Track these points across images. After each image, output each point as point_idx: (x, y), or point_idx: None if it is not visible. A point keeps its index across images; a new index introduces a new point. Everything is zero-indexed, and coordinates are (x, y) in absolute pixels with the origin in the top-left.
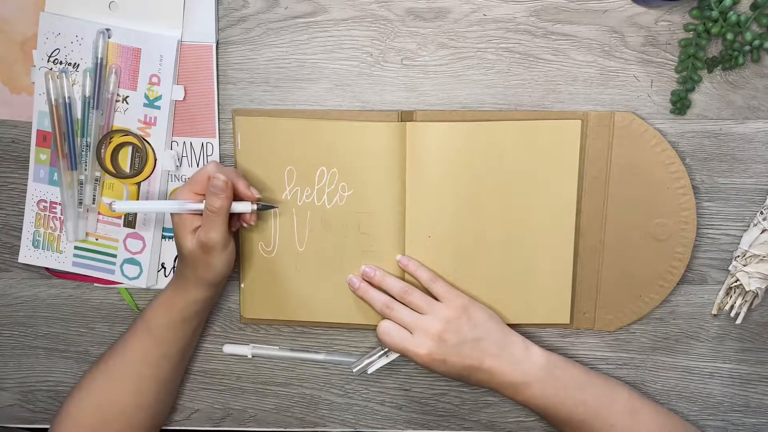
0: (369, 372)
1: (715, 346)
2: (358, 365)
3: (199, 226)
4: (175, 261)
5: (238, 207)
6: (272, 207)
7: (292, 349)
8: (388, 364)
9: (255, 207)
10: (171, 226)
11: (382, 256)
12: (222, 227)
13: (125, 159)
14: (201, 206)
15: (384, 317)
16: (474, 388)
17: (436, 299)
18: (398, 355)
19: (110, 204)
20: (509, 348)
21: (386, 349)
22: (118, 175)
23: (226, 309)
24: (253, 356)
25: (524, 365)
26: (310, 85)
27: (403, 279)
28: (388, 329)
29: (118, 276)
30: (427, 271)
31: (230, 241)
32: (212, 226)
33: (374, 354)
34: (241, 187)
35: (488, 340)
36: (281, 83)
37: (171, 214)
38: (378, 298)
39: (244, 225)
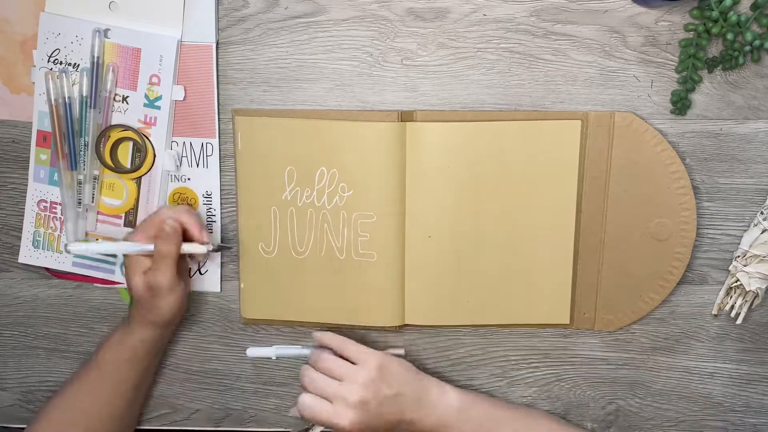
0: None
1: (715, 346)
2: (295, 351)
3: (150, 268)
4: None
5: (194, 248)
6: (228, 247)
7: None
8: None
9: (210, 248)
10: None
11: (381, 257)
12: (170, 271)
13: (125, 155)
14: (152, 248)
15: (307, 390)
16: None
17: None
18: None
19: (65, 245)
20: (425, 396)
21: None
22: (117, 169)
23: (227, 309)
24: (277, 357)
25: (439, 410)
26: (310, 85)
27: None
28: (307, 404)
29: (117, 276)
30: (335, 337)
31: (178, 284)
32: (160, 269)
33: (306, 428)
34: (195, 232)
35: (406, 395)
36: (281, 83)
37: (124, 255)
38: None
39: (199, 261)
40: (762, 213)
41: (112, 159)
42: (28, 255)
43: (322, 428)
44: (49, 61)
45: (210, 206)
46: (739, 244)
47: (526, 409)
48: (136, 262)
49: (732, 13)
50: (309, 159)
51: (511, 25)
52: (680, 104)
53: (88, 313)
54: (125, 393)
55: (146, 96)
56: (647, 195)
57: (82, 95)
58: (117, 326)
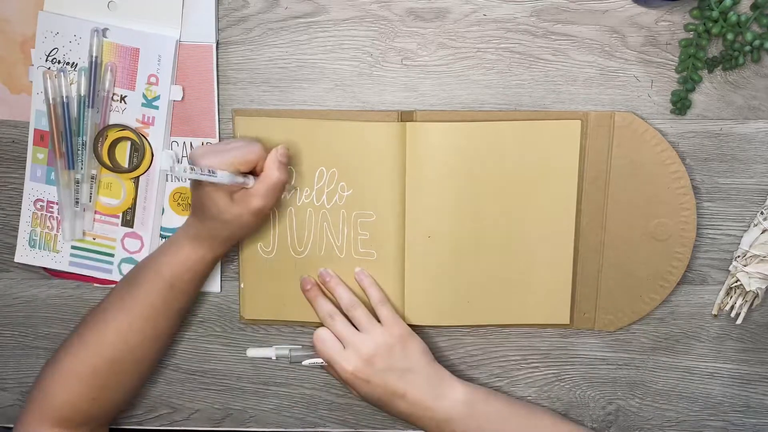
0: (303, 363)
1: (715, 346)
2: (296, 352)
3: (234, 192)
4: None
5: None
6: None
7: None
8: (319, 367)
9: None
10: (169, 226)
11: (381, 256)
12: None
13: (122, 154)
14: (249, 181)
15: (325, 325)
16: None
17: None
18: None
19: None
20: (435, 383)
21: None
22: (115, 169)
23: (227, 309)
24: (277, 357)
25: (446, 401)
26: (310, 85)
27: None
28: (323, 337)
29: (115, 275)
30: (378, 292)
31: None
32: (274, 197)
33: (312, 351)
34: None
35: (416, 374)
36: (281, 83)
37: (214, 181)
38: (323, 306)
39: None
40: (762, 213)
41: (109, 158)
42: (24, 255)
43: (320, 362)
44: (47, 60)
45: None
46: (739, 244)
47: (532, 406)
48: (228, 187)
49: (732, 13)
50: (308, 159)
51: (511, 25)
52: (680, 104)
53: None
54: (187, 309)
55: (144, 96)
56: (647, 195)
57: (80, 94)
58: (177, 246)
